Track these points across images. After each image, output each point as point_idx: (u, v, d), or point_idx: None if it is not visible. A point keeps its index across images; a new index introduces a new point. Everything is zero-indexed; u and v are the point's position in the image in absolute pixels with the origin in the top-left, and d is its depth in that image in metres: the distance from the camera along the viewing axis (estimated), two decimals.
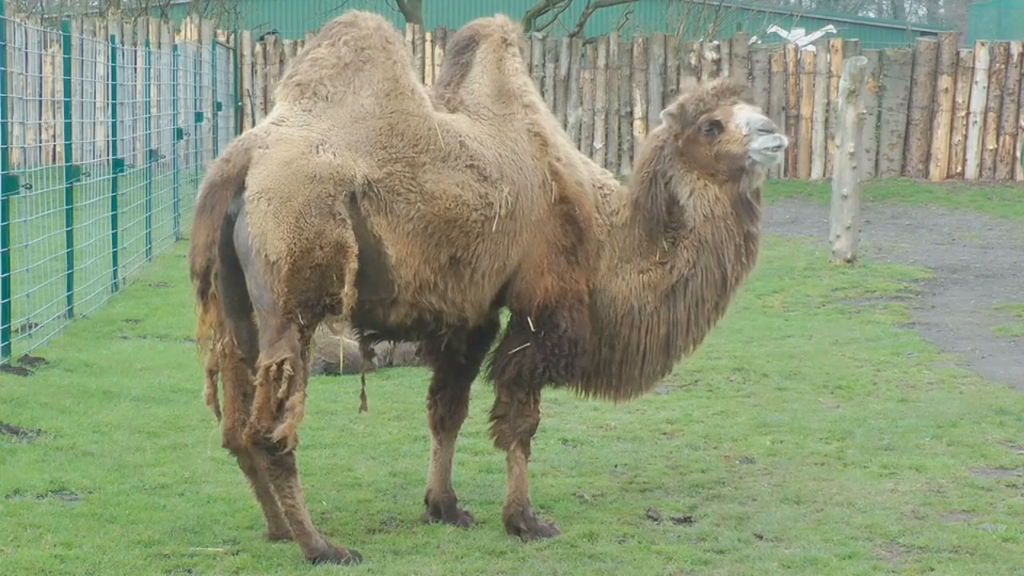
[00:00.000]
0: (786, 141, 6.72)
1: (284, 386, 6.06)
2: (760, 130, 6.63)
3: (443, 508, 6.80)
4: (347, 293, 6.12)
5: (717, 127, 6.67)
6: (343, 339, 10.20)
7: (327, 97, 6.36)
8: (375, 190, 6.20)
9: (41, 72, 18.96)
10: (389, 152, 6.27)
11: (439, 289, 6.36)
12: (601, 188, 6.85)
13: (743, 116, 6.67)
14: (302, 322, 6.09)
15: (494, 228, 6.39)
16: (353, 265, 6.11)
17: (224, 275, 6.19)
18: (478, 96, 6.65)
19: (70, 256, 12.16)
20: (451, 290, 6.39)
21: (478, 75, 6.69)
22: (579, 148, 31.30)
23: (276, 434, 6.05)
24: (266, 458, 6.13)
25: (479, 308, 6.54)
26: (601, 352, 6.85)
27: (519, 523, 6.57)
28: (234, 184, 6.13)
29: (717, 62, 25.93)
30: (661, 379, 7.11)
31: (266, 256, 6.02)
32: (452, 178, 6.33)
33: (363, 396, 6.92)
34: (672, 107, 6.82)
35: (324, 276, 6.07)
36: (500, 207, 6.41)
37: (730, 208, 6.72)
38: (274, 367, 6.06)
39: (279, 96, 6.53)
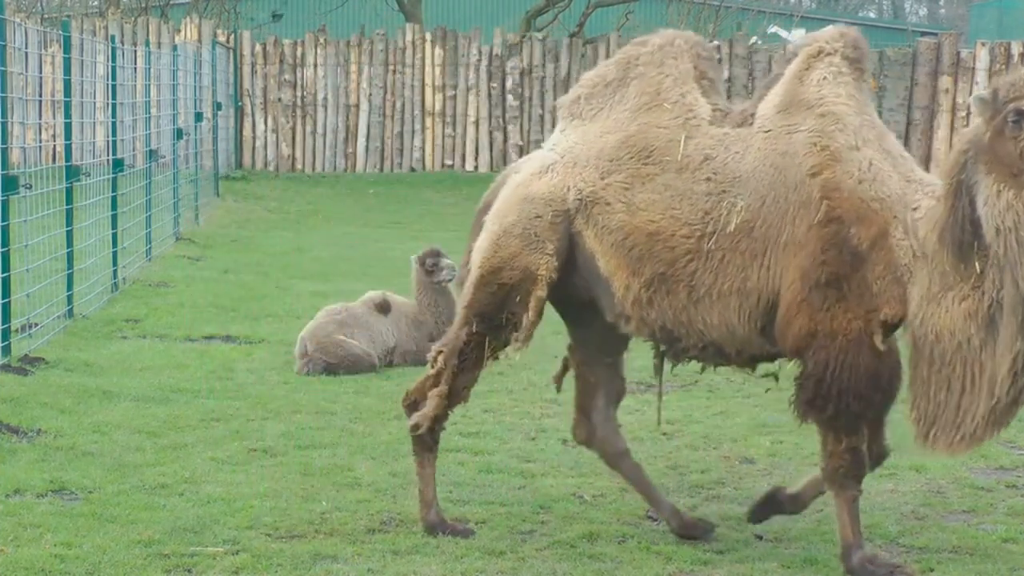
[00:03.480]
0: None
1: (431, 372, 6.53)
2: None
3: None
4: (531, 320, 6.36)
5: None
6: (343, 339, 10.21)
7: (581, 115, 6.50)
8: (587, 203, 6.28)
9: (41, 72, 18.95)
10: (614, 164, 6.28)
11: (656, 306, 6.20)
12: (916, 209, 6.00)
13: None
14: (474, 330, 6.42)
15: (710, 245, 6.07)
16: (540, 293, 6.31)
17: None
18: (767, 108, 6.32)
19: (70, 256, 12.15)
20: (672, 309, 6.17)
21: (777, 87, 6.38)
22: None
23: (410, 420, 6.57)
24: (408, 425, 6.61)
25: (730, 333, 6.16)
26: (938, 396, 6.04)
27: (849, 563, 6.07)
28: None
29: (717, 62, 25.92)
30: (1004, 426, 6.07)
31: (472, 264, 6.50)
32: (674, 190, 6.17)
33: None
34: (984, 92, 5.97)
35: (508, 296, 6.35)
36: (724, 223, 6.07)
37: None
38: (435, 354, 6.54)
39: None
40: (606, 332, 6.52)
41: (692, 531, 6.54)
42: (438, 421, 6.56)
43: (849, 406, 6.00)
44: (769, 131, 6.21)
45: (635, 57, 6.50)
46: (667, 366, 6.58)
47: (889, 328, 6.02)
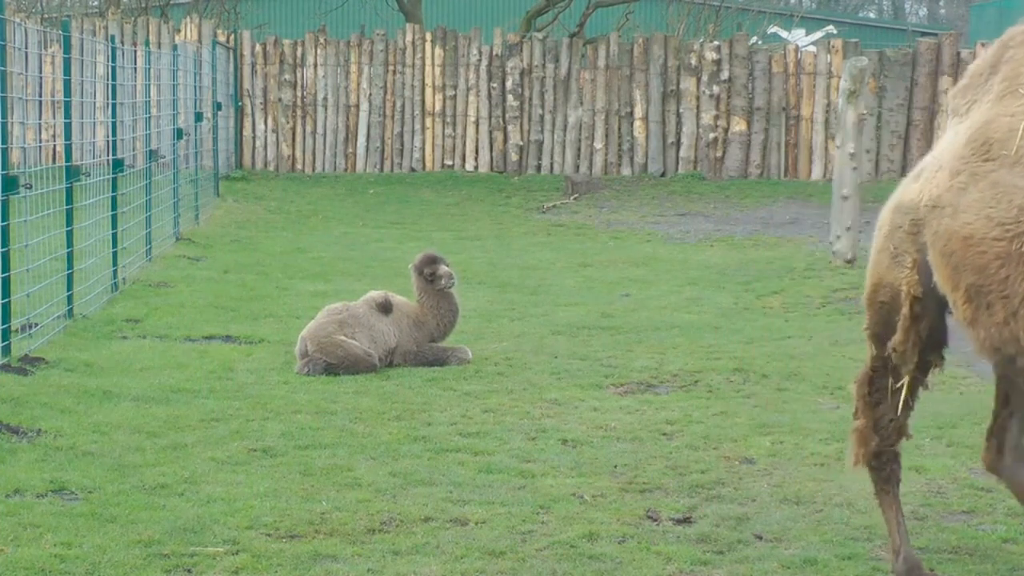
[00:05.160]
0: None
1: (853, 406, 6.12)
2: None
3: None
4: (898, 340, 5.74)
5: None
6: (343, 339, 10.20)
7: (957, 110, 5.76)
8: (932, 208, 5.52)
9: (41, 72, 18.96)
10: (961, 162, 5.45)
11: (981, 323, 5.34)
12: None
13: None
14: (873, 352, 5.95)
15: (1021, 247, 5.15)
16: (906, 311, 5.68)
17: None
18: None
19: (70, 256, 12.15)
20: (994, 325, 5.29)
21: None
22: (579, 148, 30.95)
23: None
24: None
25: None
26: None
27: None
28: None
29: (717, 62, 25.93)
30: None
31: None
32: (998, 188, 5.27)
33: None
34: None
35: (890, 315, 5.79)
36: None
37: None
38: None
39: None
40: None
41: None
42: (876, 457, 6.02)
43: None
44: None
45: (1010, 39, 5.63)
46: None
47: None
